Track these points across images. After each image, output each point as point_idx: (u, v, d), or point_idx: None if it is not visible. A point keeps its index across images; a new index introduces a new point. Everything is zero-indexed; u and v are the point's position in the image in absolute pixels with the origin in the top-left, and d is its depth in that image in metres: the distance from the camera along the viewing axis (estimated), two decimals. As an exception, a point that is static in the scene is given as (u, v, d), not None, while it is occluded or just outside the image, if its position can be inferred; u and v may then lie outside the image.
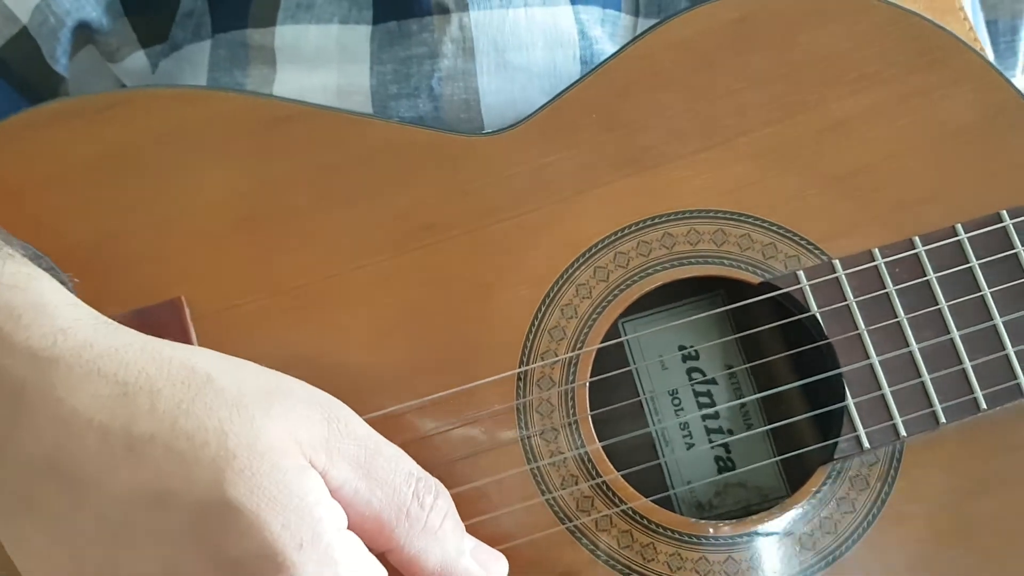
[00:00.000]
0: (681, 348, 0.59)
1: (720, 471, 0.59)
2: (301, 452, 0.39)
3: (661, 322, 0.58)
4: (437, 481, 0.44)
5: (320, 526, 0.38)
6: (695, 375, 0.59)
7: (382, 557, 0.42)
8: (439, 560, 0.42)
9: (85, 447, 0.38)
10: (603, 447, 0.52)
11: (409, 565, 0.42)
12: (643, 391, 0.58)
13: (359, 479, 0.41)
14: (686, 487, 0.58)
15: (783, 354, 0.56)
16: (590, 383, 0.53)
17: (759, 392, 0.58)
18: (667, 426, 0.58)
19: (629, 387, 0.58)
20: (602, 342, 0.53)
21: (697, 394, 0.59)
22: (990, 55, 0.69)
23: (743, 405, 0.59)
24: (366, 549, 0.40)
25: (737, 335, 0.58)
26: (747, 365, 0.58)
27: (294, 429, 0.40)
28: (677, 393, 0.59)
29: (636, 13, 0.62)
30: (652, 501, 0.53)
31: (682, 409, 0.59)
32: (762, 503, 0.58)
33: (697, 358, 0.59)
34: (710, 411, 0.59)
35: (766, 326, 0.55)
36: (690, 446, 0.59)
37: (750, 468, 0.57)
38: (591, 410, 0.53)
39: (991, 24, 0.70)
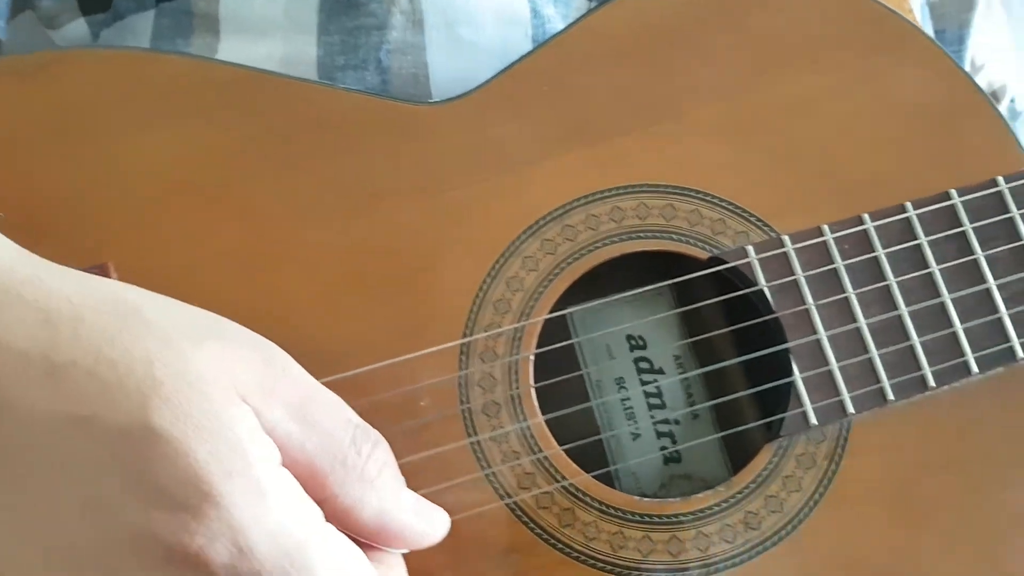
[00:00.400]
0: (628, 336, 0.58)
1: (666, 462, 0.57)
2: (236, 388, 0.38)
3: (609, 310, 0.57)
4: (377, 432, 0.42)
5: (249, 457, 0.36)
6: (642, 364, 0.58)
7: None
8: (375, 510, 0.41)
9: (3, 373, 0.36)
10: (547, 422, 0.51)
11: (344, 515, 0.40)
12: (586, 368, 0.57)
13: (293, 421, 0.39)
14: (631, 476, 0.56)
15: (726, 329, 0.55)
16: (534, 372, 0.52)
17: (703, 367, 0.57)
18: (612, 416, 0.57)
19: (572, 369, 0.57)
20: (548, 320, 0.52)
21: (644, 383, 0.58)
22: None
23: (689, 394, 0.58)
24: (300, 488, 0.38)
25: (679, 309, 0.57)
26: (689, 340, 0.57)
27: (228, 365, 0.38)
28: (624, 383, 0.58)
29: None
30: (597, 477, 0.51)
31: (629, 399, 0.58)
32: (708, 495, 0.57)
33: (645, 347, 0.58)
34: (656, 400, 0.58)
35: (710, 300, 0.54)
36: (636, 436, 0.58)
37: (693, 450, 0.56)
38: (556, 379, 0.52)
39: (939, 33, 0.71)
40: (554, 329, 0.55)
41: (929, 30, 0.69)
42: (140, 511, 0.35)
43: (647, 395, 0.58)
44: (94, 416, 0.35)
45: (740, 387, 0.55)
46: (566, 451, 0.52)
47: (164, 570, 0.35)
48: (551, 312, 0.53)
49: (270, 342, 0.41)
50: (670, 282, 0.55)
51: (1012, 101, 0.76)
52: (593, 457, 0.56)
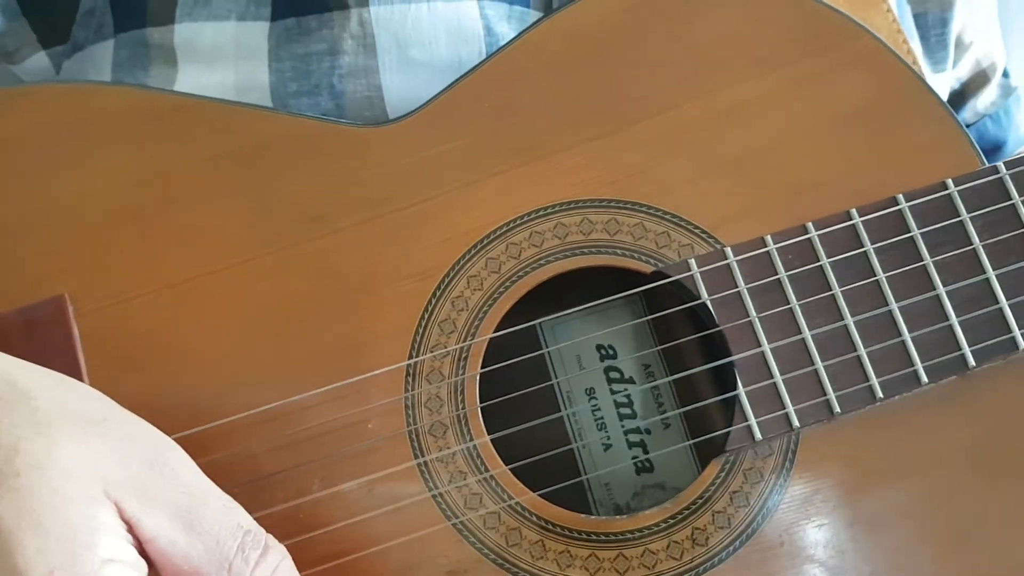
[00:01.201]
0: (599, 346, 0.58)
1: (638, 471, 0.57)
2: (102, 486, 0.38)
3: (578, 321, 0.57)
4: (271, 537, 0.42)
5: (84, 556, 0.36)
6: (612, 374, 0.58)
7: None
8: None
9: None
10: (509, 444, 0.51)
11: None
12: (555, 378, 0.57)
13: (177, 530, 0.39)
14: (603, 486, 0.56)
15: (683, 339, 0.55)
16: (505, 386, 0.52)
17: (671, 375, 0.56)
18: (584, 427, 0.57)
19: (544, 380, 0.57)
20: (504, 330, 0.52)
21: (614, 392, 0.58)
22: (918, 49, 0.68)
23: (659, 402, 0.57)
24: None
25: (645, 318, 0.56)
26: (658, 348, 0.56)
27: (102, 462, 0.38)
28: (594, 393, 0.58)
29: (547, 10, 0.61)
30: (569, 498, 0.51)
31: (599, 409, 0.58)
32: (680, 505, 0.57)
33: (615, 357, 0.58)
34: (627, 410, 0.57)
35: (669, 310, 0.53)
36: (607, 447, 0.57)
37: (664, 458, 0.56)
38: (502, 398, 0.52)
39: (919, 17, 0.69)
40: (524, 340, 0.55)
41: (908, 14, 0.68)
42: None
43: (617, 404, 0.58)
44: None
45: (709, 395, 0.55)
46: (536, 462, 0.52)
47: None
48: (499, 327, 0.53)
49: (165, 438, 0.41)
50: (637, 290, 0.54)
51: (1005, 76, 0.74)
52: (564, 469, 0.56)
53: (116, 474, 0.38)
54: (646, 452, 0.57)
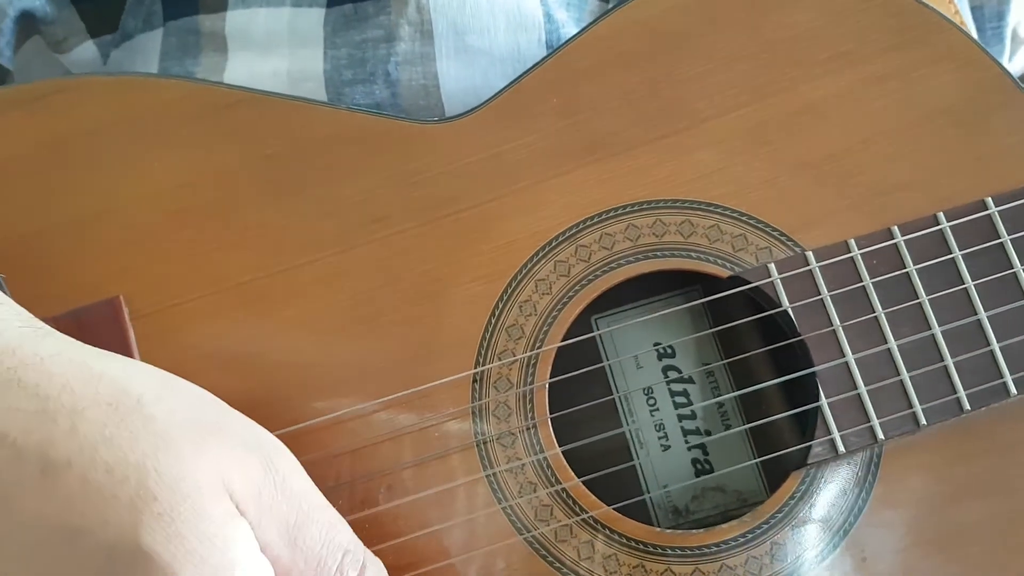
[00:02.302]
0: (656, 345, 0.56)
1: (698, 474, 0.56)
2: (231, 498, 0.36)
3: (636, 318, 0.55)
4: (369, 553, 0.41)
5: None
6: (671, 373, 0.56)
7: None
8: None
9: None
10: (569, 450, 0.50)
11: None
12: (616, 390, 0.55)
13: (284, 546, 0.38)
14: (662, 491, 0.55)
15: (758, 350, 0.53)
16: (560, 383, 0.50)
17: (737, 390, 0.55)
18: (641, 427, 0.55)
19: (602, 386, 0.55)
20: (573, 337, 0.51)
21: (673, 393, 0.56)
22: None
23: (721, 404, 0.56)
24: None
25: (713, 329, 0.55)
26: (724, 362, 0.55)
27: (226, 472, 0.37)
28: (652, 392, 0.56)
29: None
30: (627, 504, 0.50)
31: (657, 409, 0.56)
32: (741, 507, 0.55)
33: (673, 356, 0.56)
34: (686, 411, 0.56)
35: (740, 320, 0.52)
36: (666, 448, 0.56)
37: (728, 471, 0.54)
38: (561, 410, 0.50)
39: (976, 10, 0.67)
40: (584, 345, 0.53)
41: (966, 7, 0.66)
42: None
43: (677, 406, 0.56)
44: (84, 529, 0.34)
45: (776, 406, 0.53)
46: (596, 477, 0.50)
47: None
48: (575, 333, 0.51)
49: (275, 440, 0.40)
50: (696, 302, 0.53)
51: None
52: (624, 477, 0.54)
53: (238, 482, 0.37)
54: (706, 454, 0.56)
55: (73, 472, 0.35)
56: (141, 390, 0.37)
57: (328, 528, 0.39)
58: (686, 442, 0.56)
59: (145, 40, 0.58)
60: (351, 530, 0.41)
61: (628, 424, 0.55)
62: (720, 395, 0.55)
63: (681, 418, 0.56)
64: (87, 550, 0.34)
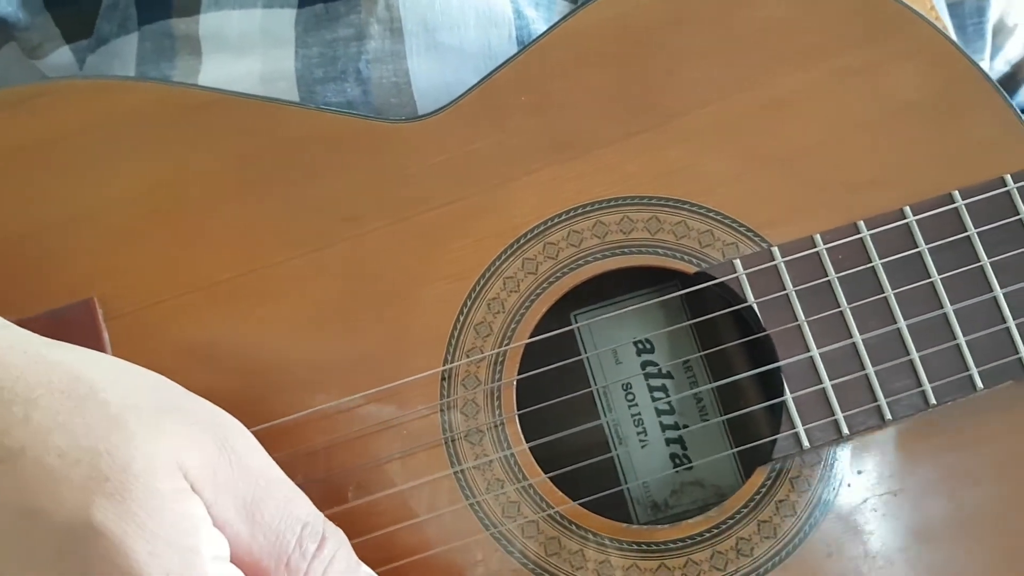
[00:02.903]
0: (635, 341, 0.56)
1: (676, 468, 0.56)
2: (184, 476, 0.37)
3: (614, 313, 0.56)
4: (328, 524, 0.41)
5: (192, 556, 0.36)
6: (650, 368, 0.56)
7: None
8: None
9: None
10: (550, 448, 0.50)
11: None
12: (594, 383, 0.55)
13: (242, 522, 0.38)
14: (639, 483, 0.55)
15: (729, 344, 0.53)
16: (540, 382, 0.51)
17: (714, 382, 0.55)
18: (620, 422, 0.55)
19: (582, 383, 0.55)
20: (543, 334, 0.51)
21: (652, 388, 0.56)
22: (955, 38, 0.65)
23: (699, 400, 0.56)
24: None
25: (689, 322, 0.55)
26: (700, 354, 0.55)
27: (180, 452, 0.37)
28: (631, 387, 0.56)
29: None
30: (606, 500, 0.50)
31: (636, 404, 0.56)
32: (719, 502, 0.55)
33: (652, 351, 0.56)
34: (664, 405, 0.56)
35: (713, 313, 0.52)
36: (644, 443, 0.56)
37: (706, 462, 0.55)
38: (542, 409, 0.50)
39: (955, 7, 0.66)
40: (561, 341, 0.53)
41: (943, 4, 0.65)
42: None
43: (655, 400, 0.56)
44: (40, 510, 0.35)
45: (752, 399, 0.54)
46: (576, 473, 0.51)
47: None
48: (536, 329, 0.51)
49: (232, 420, 0.41)
50: (671, 296, 0.53)
51: None
52: (602, 472, 0.55)
53: (192, 461, 0.37)
54: (684, 448, 0.56)
55: (27, 457, 0.36)
56: (94, 377, 0.38)
57: (286, 503, 0.40)
58: (664, 437, 0.56)
59: (121, 44, 0.58)
60: (310, 503, 0.41)
61: (606, 416, 0.55)
62: (698, 388, 0.55)
63: (660, 412, 0.56)
64: (44, 531, 0.35)
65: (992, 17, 0.66)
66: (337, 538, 0.41)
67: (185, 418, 0.39)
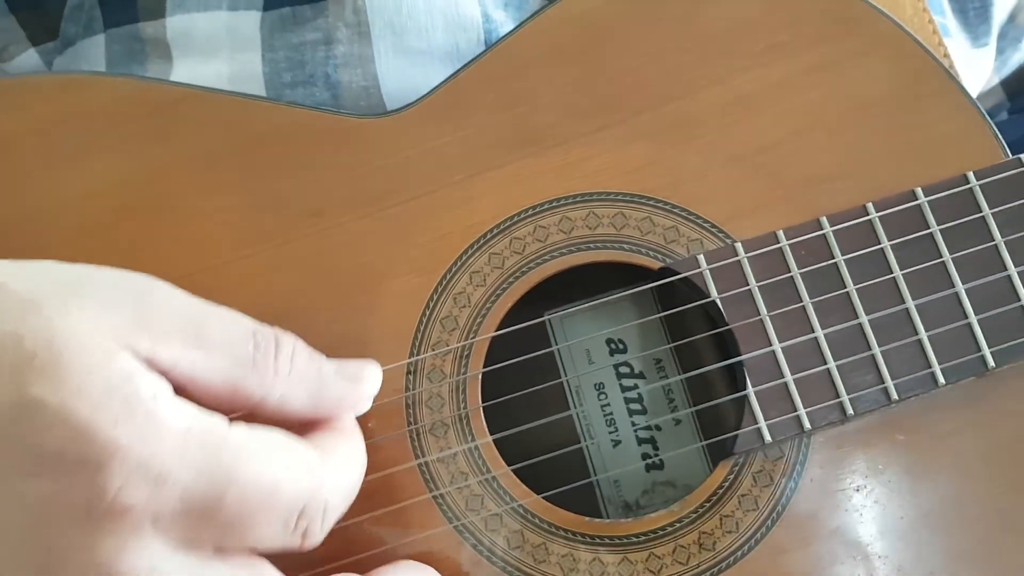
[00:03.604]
0: (608, 340, 0.56)
1: (648, 469, 0.56)
2: (112, 338, 0.37)
3: (587, 312, 0.56)
4: (274, 328, 0.42)
5: (134, 399, 0.36)
6: (622, 369, 0.57)
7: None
8: (304, 398, 0.41)
9: None
10: (519, 442, 0.50)
11: (279, 413, 0.41)
12: (565, 374, 0.55)
13: (191, 350, 0.39)
14: (608, 475, 0.55)
15: (695, 337, 0.53)
16: (512, 378, 0.51)
17: (682, 375, 0.55)
18: (592, 421, 0.56)
19: (552, 378, 0.55)
20: (508, 327, 0.51)
21: (624, 388, 0.56)
22: (956, 25, 0.65)
23: (669, 395, 0.56)
24: (200, 409, 0.38)
25: (660, 315, 0.55)
26: (670, 345, 0.55)
27: (97, 317, 0.38)
28: (603, 388, 0.56)
29: None
30: (578, 499, 0.50)
31: (608, 404, 0.56)
32: (689, 501, 0.55)
33: (625, 351, 0.57)
34: (636, 406, 0.56)
35: (681, 307, 0.52)
36: (616, 443, 0.56)
37: (676, 456, 0.55)
38: (507, 397, 0.51)
39: None
40: (532, 337, 0.53)
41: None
42: (46, 483, 0.35)
43: (627, 400, 0.56)
44: None
45: (722, 393, 0.53)
46: (545, 461, 0.51)
47: (93, 530, 0.35)
48: (502, 324, 0.51)
49: (142, 275, 0.41)
50: (645, 286, 0.53)
51: None
52: (573, 468, 0.55)
53: (114, 321, 0.38)
54: (656, 449, 0.56)
55: None
56: (3, 274, 0.39)
57: (228, 320, 0.40)
58: (636, 437, 0.56)
59: (88, 46, 0.58)
60: (249, 317, 0.41)
61: (576, 407, 0.55)
62: (668, 379, 0.55)
63: (632, 413, 0.56)
64: None
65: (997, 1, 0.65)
66: (290, 335, 0.42)
67: (93, 286, 0.39)
